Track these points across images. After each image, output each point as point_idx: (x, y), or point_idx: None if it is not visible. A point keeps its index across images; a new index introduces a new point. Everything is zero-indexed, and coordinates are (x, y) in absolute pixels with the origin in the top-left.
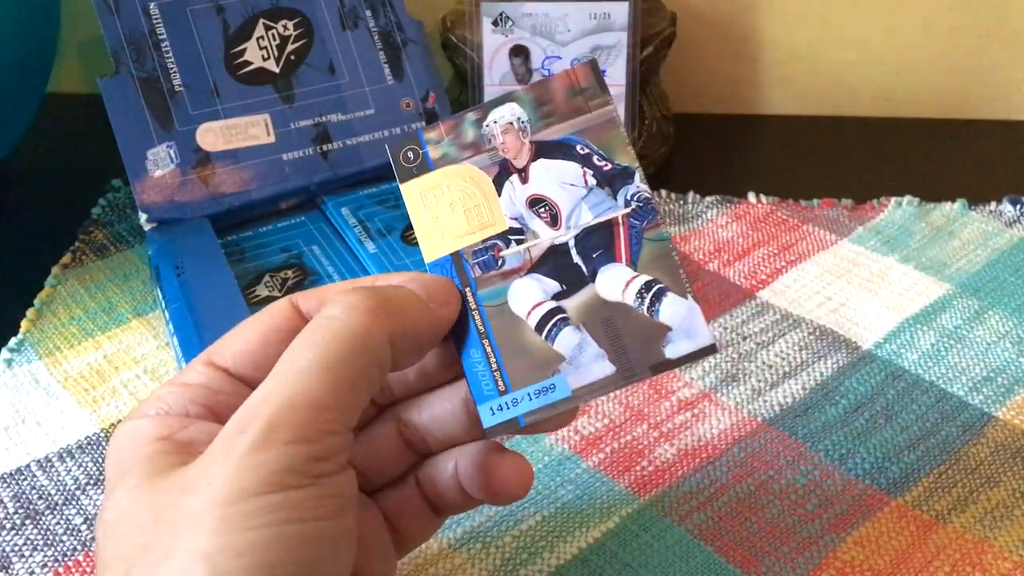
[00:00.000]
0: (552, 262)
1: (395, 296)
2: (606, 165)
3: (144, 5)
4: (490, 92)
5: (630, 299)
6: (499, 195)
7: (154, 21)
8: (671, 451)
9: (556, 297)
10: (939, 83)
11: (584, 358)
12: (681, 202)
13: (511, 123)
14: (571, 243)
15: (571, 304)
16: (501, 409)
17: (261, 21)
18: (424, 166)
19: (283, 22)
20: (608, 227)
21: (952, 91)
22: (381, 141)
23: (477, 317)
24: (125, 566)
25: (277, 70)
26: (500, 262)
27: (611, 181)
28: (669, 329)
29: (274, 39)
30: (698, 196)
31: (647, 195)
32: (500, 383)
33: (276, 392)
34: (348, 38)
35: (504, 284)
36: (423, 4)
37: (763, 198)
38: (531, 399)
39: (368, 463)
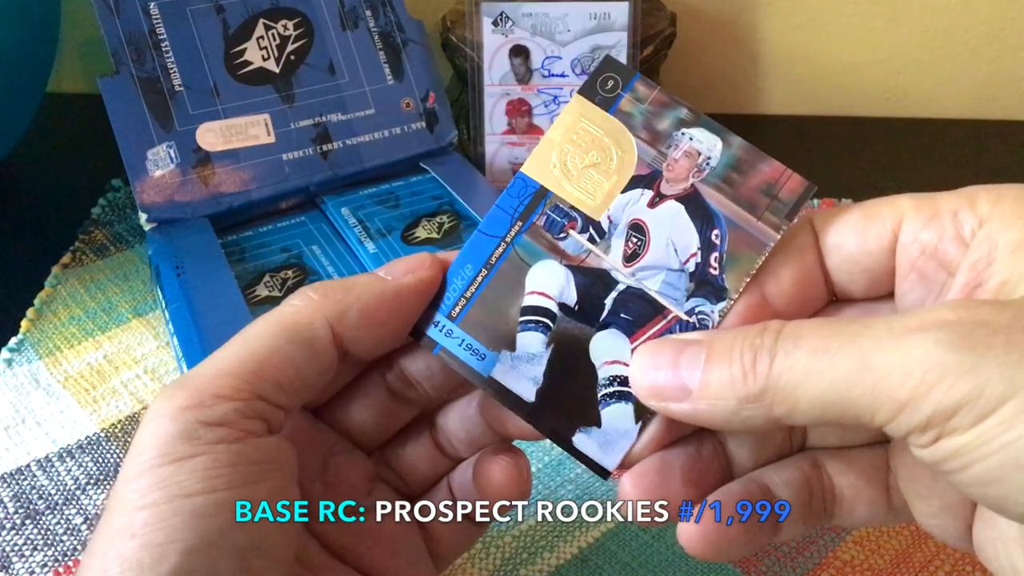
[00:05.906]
0: (590, 281)
1: (342, 281)
2: (714, 270)
3: (144, 5)
4: (490, 92)
5: (602, 374)
6: (623, 191)
7: (154, 21)
8: None
9: (562, 307)
10: (939, 83)
11: (523, 368)
12: None
13: (699, 151)
14: (620, 286)
15: (563, 324)
16: (438, 328)
17: (261, 21)
18: (608, 102)
19: (283, 22)
20: (657, 310)
21: (952, 91)
22: (381, 141)
23: (500, 250)
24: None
25: (277, 70)
26: (564, 235)
27: (701, 284)
28: (598, 426)
29: (274, 39)
30: None
31: (710, 323)
32: (456, 309)
33: (196, 366)
34: (348, 38)
35: (545, 253)
36: (423, 4)
37: None
38: (460, 346)
39: (404, 468)
